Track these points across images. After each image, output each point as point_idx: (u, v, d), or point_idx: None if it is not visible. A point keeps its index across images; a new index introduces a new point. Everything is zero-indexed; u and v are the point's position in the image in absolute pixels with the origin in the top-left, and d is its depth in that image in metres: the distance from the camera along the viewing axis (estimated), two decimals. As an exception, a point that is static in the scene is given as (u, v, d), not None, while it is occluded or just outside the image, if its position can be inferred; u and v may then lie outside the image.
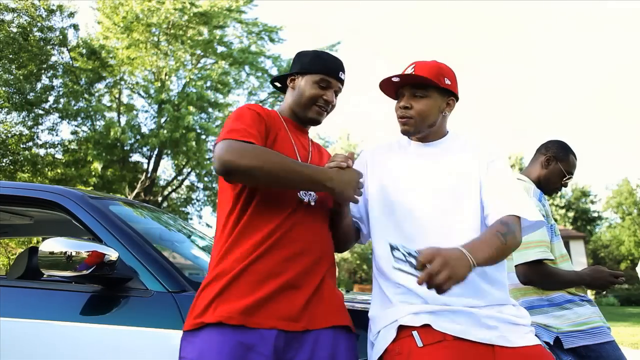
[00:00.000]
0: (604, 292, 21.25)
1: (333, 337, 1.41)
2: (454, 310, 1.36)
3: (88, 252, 1.61)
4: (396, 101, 1.60)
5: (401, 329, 1.36)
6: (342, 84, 1.63)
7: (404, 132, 1.57)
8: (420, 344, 1.31)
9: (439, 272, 1.13)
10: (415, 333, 1.33)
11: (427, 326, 1.34)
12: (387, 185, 1.54)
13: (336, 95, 1.63)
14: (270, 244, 1.40)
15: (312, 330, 1.39)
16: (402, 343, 1.34)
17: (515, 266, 2.06)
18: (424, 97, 1.52)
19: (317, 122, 1.62)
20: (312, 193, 1.50)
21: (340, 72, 1.61)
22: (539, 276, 2.03)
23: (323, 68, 1.59)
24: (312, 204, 1.49)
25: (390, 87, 1.60)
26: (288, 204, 1.45)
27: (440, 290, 1.14)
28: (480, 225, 1.47)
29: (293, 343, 1.36)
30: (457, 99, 1.60)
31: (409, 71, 1.54)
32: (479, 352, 1.32)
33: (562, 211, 33.62)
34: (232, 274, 1.38)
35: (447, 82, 1.54)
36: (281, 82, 1.71)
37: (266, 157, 1.36)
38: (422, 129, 1.55)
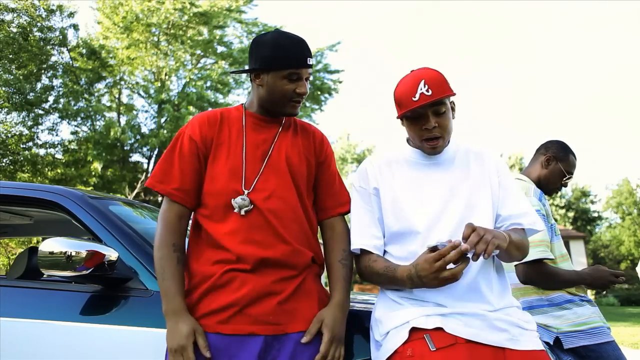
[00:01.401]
0: (604, 292, 21.24)
1: (315, 340, 1.41)
2: (464, 312, 1.37)
3: (88, 252, 1.61)
4: (412, 122, 1.51)
5: (413, 330, 1.36)
6: (311, 68, 1.51)
7: (434, 154, 1.53)
8: (432, 347, 1.31)
9: (485, 236, 1.26)
10: (427, 336, 1.33)
11: (439, 329, 1.34)
12: (399, 199, 1.50)
13: (307, 81, 1.52)
14: (234, 255, 1.41)
15: (292, 333, 1.39)
16: (413, 345, 1.34)
17: (516, 265, 2.06)
18: (445, 111, 1.49)
19: (294, 115, 1.57)
20: (247, 203, 1.44)
21: (307, 58, 1.49)
22: (539, 275, 2.03)
23: (289, 61, 1.46)
24: (243, 214, 1.43)
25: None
26: (228, 217, 1.44)
27: (486, 252, 1.25)
28: None
29: (274, 344, 1.37)
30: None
31: (422, 89, 1.45)
32: (491, 355, 1.32)
33: (562, 211, 33.59)
34: (207, 285, 1.41)
35: (450, 87, 1.53)
36: (243, 72, 1.63)
37: (155, 254, 1.44)
38: (447, 142, 1.55)
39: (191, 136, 1.49)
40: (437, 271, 1.29)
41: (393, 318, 1.42)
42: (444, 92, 1.46)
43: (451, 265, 1.30)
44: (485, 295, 1.41)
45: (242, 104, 1.62)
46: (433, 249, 1.31)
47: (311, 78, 1.56)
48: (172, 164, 1.48)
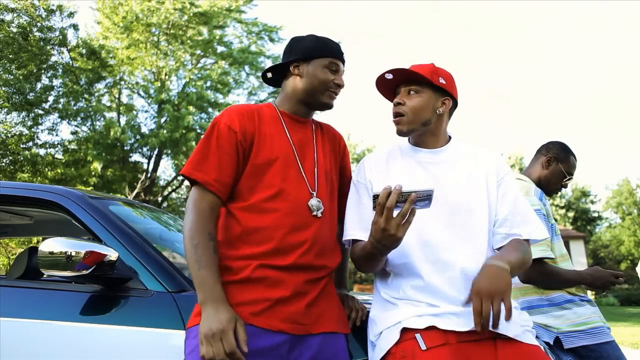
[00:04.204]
0: (604, 293, 21.25)
1: (334, 341, 1.42)
2: (456, 312, 1.37)
3: (88, 252, 1.61)
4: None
5: (404, 331, 1.36)
6: (344, 65, 1.60)
7: (398, 133, 1.55)
8: (423, 347, 1.31)
9: (486, 309, 1.25)
10: (418, 336, 1.33)
11: (430, 329, 1.34)
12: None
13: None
14: (281, 250, 1.39)
15: (316, 333, 1.39)
16: (405, 346, 1.34)
17: (516, 265, 2.06)
18: (416, 93, 1.52)
19: (329, 107, 1.57)
20: (321, 205, 1.47)
21: (343, 54, 1.59)
22: (539, 275, 2.03)
23: (330, 51, 1.54)
24: (320, 215, 1.46)
25: (387, 88, 1.59)
26: (299, 216, 1.43)
27: (497, 318, 1.25)
28: (488, 241, 1.48)
29: (297, 344, 1.36)
30: (454, 102, 1.58)
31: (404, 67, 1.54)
32: (482, 352, 1.32)
33: (562, 211, 33.58)
34: (241, 276, 1.38)
35: (442, 81, 1.53)
36: (273, 73, 1.63)
37: (188, 243, 1.36)
38: (416, 126, 1.52)
39: (230, 126, 1.44)
40: (386, 223, 1.24)
41: (386, 318, 1.43)
42: (420, 71, 1.51)
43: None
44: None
45: (271, 102, 1.60)
46: (374, 197, 1.25)
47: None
48: (209, 153, 1.42)
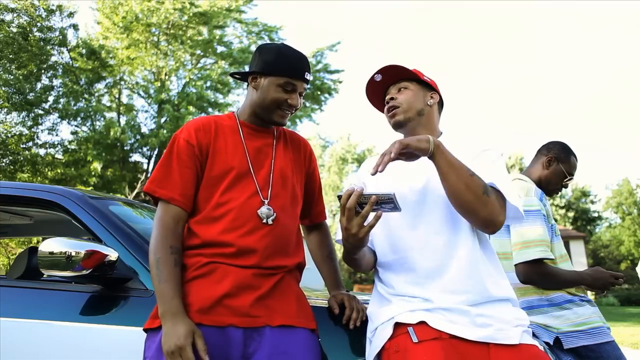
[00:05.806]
0: (604, 293, 21.22)
1: (297, 335, 1.42)
2: (449, 308, 1.36)
3: (88, 252, 1.61)
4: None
5: (397, 326, 1.37)
6: (308, 83, 1.55)
7: (395, 124, 1.60)
8: (415, 339, 1.32)
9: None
10: (410, 329, 1.34)
11: (423, 323, 1.35)
12: (380, 190, 1.50)
13: (301, 96, 1.55)
14: (228, 252, 1.41)
15: (273, 326, 1.39)
16: (398, 340, 1.35)
17: (515, 265, 2.06)
18: (406, 88, 1.61)
19: (281, 125, 1.58)
20: (271, 213, 1.48)
21: (306, 73, 1.53)
22: (539, 275, 2.03)
23: (288, 70, 1.49)
24: (270, 223, 1.47)
25: (377, 96, 1.68)
26: (247, 223, 1.44)
27: (395, 154, 1.31)
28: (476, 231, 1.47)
29: (254, 336, 1.37)
30: (440, 98, 1.66)
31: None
32: (475, 351, 1.32)
33: (562, 211, 33.60)
34: (189, 276, 1.41)
35: (426, 78, 1.63)
36: (242, 74, 1.61)
37: (151, 257, 1.39)
38: (412, 115, 1.58)
39: (188, 140, 1.48)
40: (347, 222, 1.30)
41: (380, 314, 1.44)
42: (406, 69, 1.60)
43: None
44: (473, 287, 1.38)
45: (234, 112, 1.62)
46: (339, 197, 1.31)
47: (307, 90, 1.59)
48: (170, 169, 1.47)
